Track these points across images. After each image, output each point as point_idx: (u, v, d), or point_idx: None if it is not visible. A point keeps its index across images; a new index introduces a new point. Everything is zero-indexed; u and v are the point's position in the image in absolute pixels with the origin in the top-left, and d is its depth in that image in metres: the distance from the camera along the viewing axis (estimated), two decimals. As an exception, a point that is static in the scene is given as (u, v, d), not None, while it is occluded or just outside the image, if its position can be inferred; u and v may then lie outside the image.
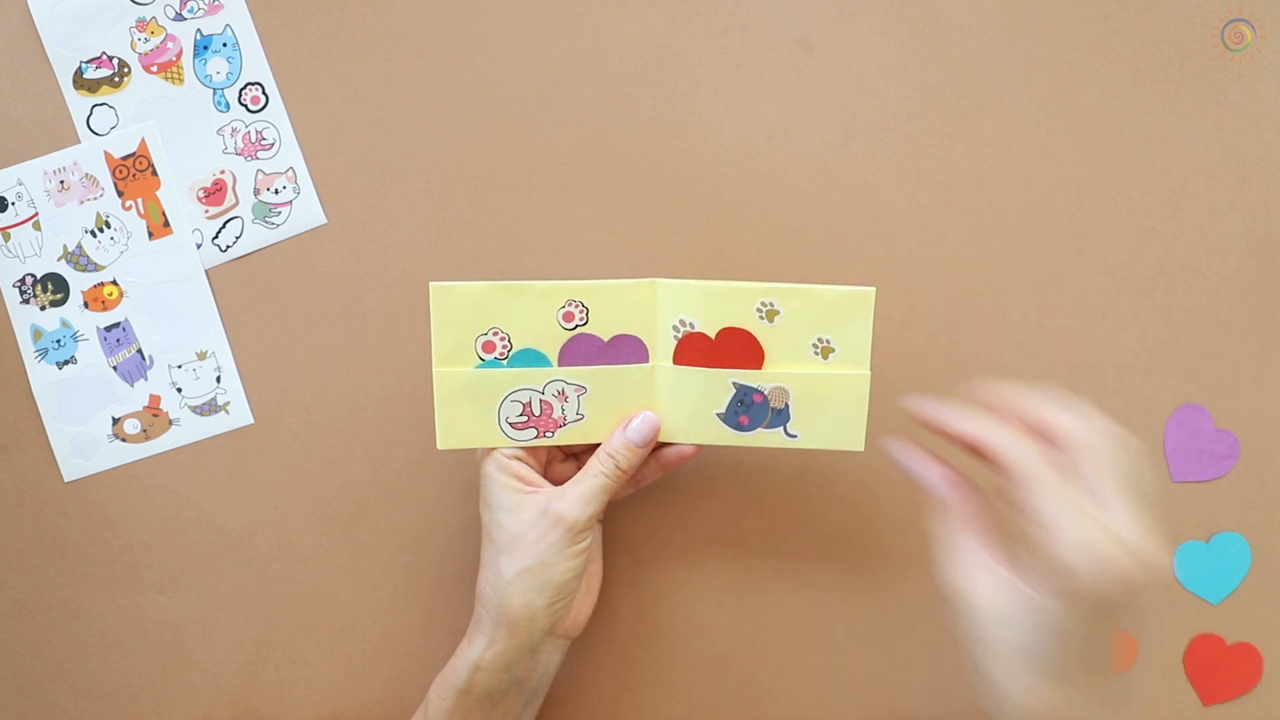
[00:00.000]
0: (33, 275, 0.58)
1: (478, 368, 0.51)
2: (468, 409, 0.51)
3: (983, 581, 0.39)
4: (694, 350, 0.51)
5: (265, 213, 0.58)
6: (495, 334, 0.50)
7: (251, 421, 0.59)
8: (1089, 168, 0.57)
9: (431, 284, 0.50)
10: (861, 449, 0.51)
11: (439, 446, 0.51)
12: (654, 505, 0.58)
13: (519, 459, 0.51)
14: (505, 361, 0.51)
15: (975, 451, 0.41)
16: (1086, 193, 0.57)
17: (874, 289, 0.49)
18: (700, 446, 0.52)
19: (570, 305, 0.50)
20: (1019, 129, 0.57)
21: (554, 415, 0.51)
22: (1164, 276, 0.58)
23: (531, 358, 0.51)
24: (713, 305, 0.50)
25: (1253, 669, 0.57)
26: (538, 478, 0.52)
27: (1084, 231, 0.57)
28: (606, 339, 0.51)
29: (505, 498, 0.50)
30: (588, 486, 0.50)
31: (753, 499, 0.58)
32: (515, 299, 0.50)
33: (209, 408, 0.59)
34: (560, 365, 0.51)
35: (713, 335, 0.51)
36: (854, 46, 0.57)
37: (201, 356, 0.59)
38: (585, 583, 0.53)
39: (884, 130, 0.57)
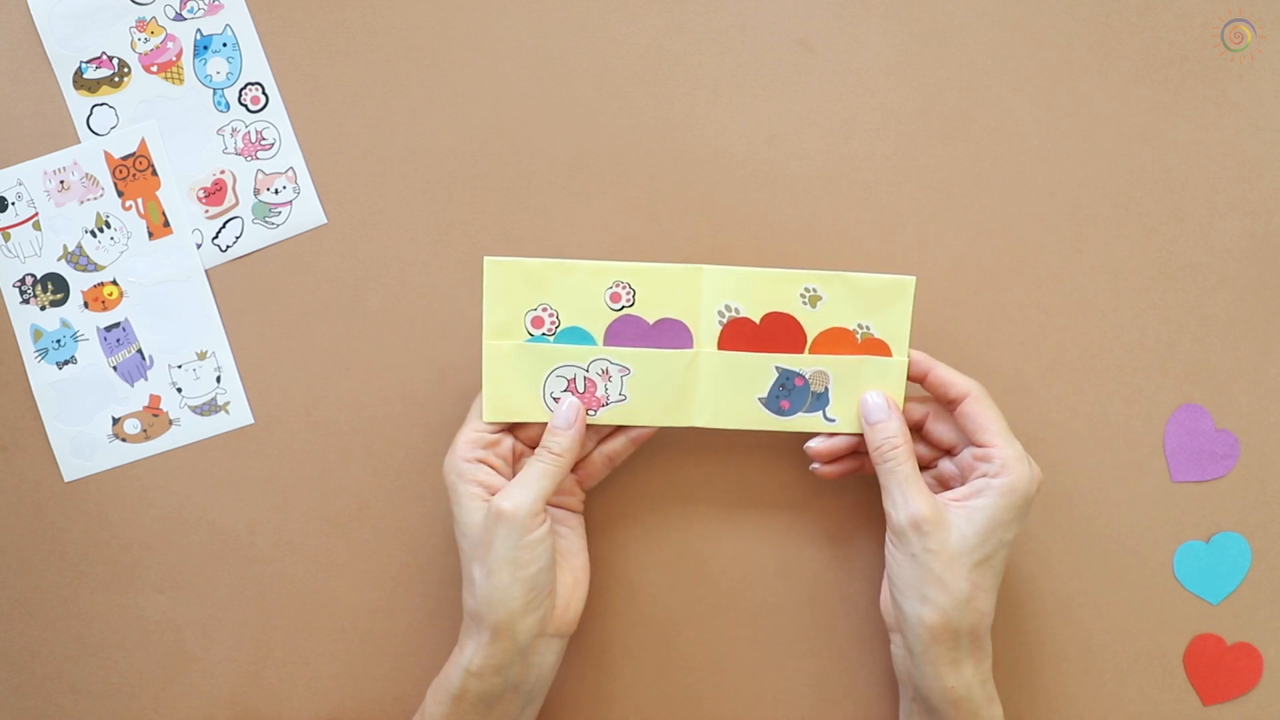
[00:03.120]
0: (33, 275, 0.58)
1: (526, 342, 0.52)
2: (514, 382, 0.52)
3: (934, 503, 0.49)
4: (739, 335, 0.52)
5: (265, 213, 0.58)
6: (544, 310, 0.52)
7: (251, 421, 0.59)
8: (1089, 168, 0.57)
9: (486, 258, 0.51)
10: None
11: (484, 419, 0.52)
12: (654, 504, 0.58)
13: (484, 462, 0.51)
14: (552, 338, 0.52)
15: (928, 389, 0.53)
16: (1086, 193, 0.57)
17: (914, 278, 0.52)
18: (656, 429, 0.54)
19: (618, 286, 0.52)
20: (1019, 129, 0.57)
21: (597, 394, 0.52)
22: (1164, 276, 0.58)
23: (577, 335, 0.52)
24: (757, 291, 0.52)
25: (1253, 669, 0.57)
26: (503, 481, 0.52)
27: (1084, 231, 0.57)
28: (651, 322, 0.52)
29: (465, 506, 0.50)
30: (524, 474, 0.50)
31: (753, 499, 0.58)
32: (566, 277, 0.51)
33: (209, 408, 0.59)
34: (605, 345, 0.52)
35: (757, 320, 0.52)
36: (854, 46, 0.57)
37: (201, 356, 0.59)
38: (571, 576, 0.53)
39: (884, 130, 0.57)
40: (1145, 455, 0.58)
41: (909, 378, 0.52)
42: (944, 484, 0.53)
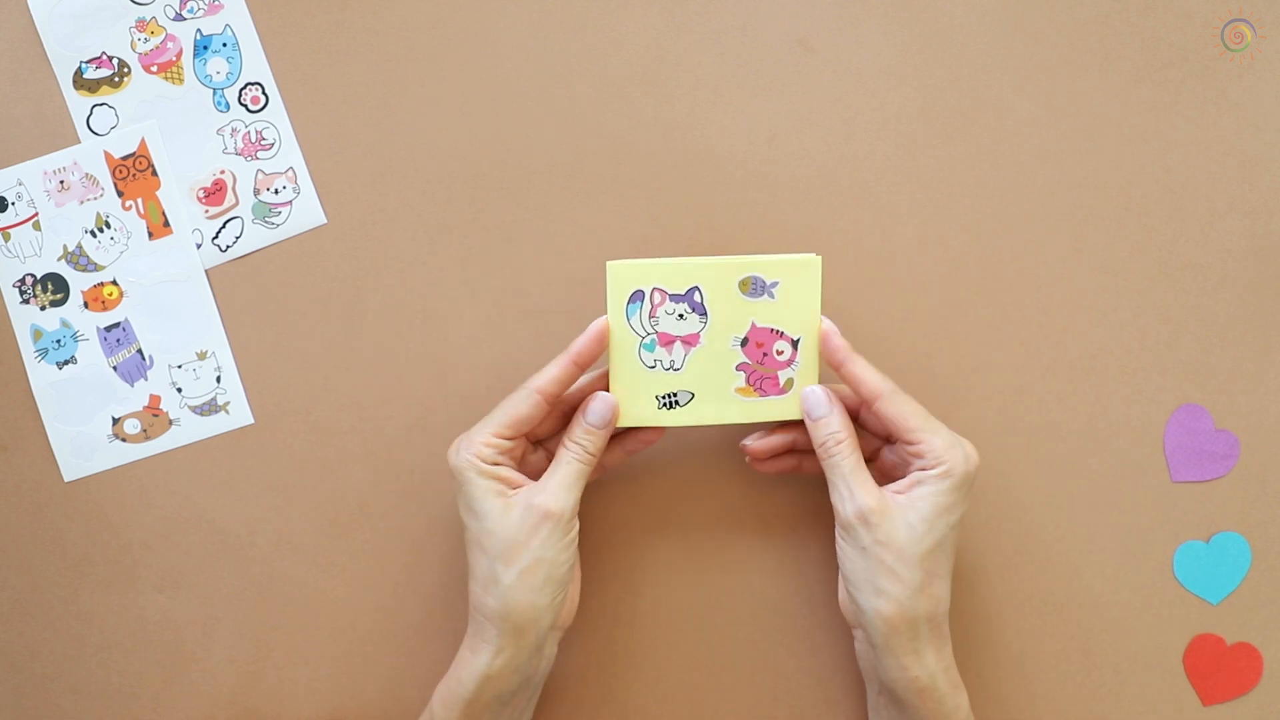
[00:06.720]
0: (33, 275, 0.58)
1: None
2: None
3: (880, 495, 0.49)
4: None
5: (265, 213, 0.58)
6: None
7: (251, 421, 0.59)
8: (1089, 168, 0.57)
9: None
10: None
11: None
12: (650, 500, 0.58)
13: (499, 463, 0.51)
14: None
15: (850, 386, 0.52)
16: (1086, 193, 0.57)
17: (819, 257, 0.51)
18: (663, 430, 0.54)
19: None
20: (1019, 129, 0.57)
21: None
22: (1164, 276, 0.58)
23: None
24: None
25: (1253, 669, 0.58)
26: (519, 476, 0.51)
27: (1084, 231, 0.57)
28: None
29: (490, 504, 0.50)
30: (564, 474, 0.50)
31: (753, 498, 0.58)
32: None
33: (209, 408, 0.59)
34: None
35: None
36: (854, 46, 0.57)
37: (201, 356, 0.59)
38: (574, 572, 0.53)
39: (884, 130, 0.57)
40: (1145, 455, 0.58)
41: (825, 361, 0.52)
42: (887, 474, 0.53)
